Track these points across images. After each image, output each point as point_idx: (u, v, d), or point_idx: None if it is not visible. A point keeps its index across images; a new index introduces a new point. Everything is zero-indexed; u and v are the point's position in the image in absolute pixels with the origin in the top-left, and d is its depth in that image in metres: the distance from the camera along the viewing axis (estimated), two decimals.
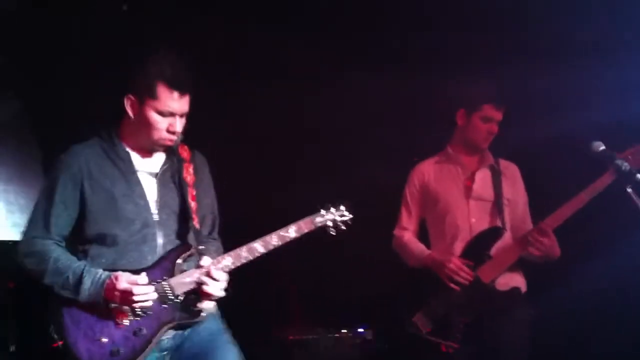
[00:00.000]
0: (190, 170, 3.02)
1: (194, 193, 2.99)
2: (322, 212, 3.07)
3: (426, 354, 3.66)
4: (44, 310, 2.80)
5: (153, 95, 2.83)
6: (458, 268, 3.66)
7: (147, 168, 2.97)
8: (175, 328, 2.84)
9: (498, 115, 3.79)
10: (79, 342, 2.70)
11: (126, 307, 2.75)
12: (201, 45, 4.28)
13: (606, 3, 4.07)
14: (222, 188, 3.19)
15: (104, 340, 2.72)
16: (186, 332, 2.89)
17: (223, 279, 2.86)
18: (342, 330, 4.47)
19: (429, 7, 4.42)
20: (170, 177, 2.99)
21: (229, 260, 2.88)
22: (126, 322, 2.75)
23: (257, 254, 2.91)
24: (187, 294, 2.84)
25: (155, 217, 2.90)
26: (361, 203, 3.15)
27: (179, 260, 2.86)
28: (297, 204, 3.04)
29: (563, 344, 4.23)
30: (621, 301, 4.15)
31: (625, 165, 3.33)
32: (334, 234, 3.10)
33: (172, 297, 2.81)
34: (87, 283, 2.72)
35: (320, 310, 4.80)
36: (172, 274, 2.83)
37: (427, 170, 4.00)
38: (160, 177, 2.97)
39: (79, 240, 2.89)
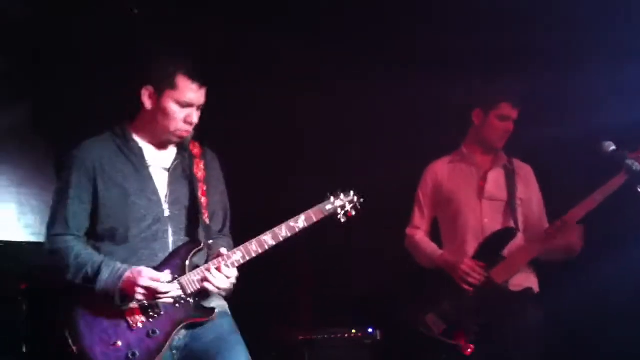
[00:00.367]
0: (201, 166, 3.03)
1: (205, 188, 2.99)
2: (332, 199, 3.04)
3: (438, 354, 3.66)
4: (56, 312, 2.81)
5: (173, 86, 2.85)
6: (471, 269, 3.66)
7: (159, 163, 2.97)
8: (186, 327, 2.83)
9: (514, 114, 3.81)
10: (94, 347, 2.70)
11: (136, 305, 2.74)
12: (201, 45, 4.29)
13: (621, 5, 4.07)
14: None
15: (119, 344, 2.71)
16: (197, 331, 2.86)
17: (233, 274, 2.85)
18: (352, 331, 4.46)
19: (440, 5, 4.42)
20: (182, 172, 2.99)
21: (239, 255, 2.86)
22: (140, 324, 2.75)
23: (267, 247, 2.88)
24: (199, 292, 2.84)
25: (167, 212, 2.90)
26: (369, 200, 3.13)
27: (190, 257, 2.85)
28: (296, 203, 3.01)
29: (574, 343, 4.22)
30: (633, 301, 4.13)
31: (636, 165, 3.35)
32: (343, 221, 3.05)
33: (184, 296, 2.80)
34: (105, 274, 2.72)
35: (330, 311, 4.80)
36: (182, 272, 2.82)
37: (441, 170, 4.01)
38: (171, 171, 2.98)
39: (91, 237, 2.89)
